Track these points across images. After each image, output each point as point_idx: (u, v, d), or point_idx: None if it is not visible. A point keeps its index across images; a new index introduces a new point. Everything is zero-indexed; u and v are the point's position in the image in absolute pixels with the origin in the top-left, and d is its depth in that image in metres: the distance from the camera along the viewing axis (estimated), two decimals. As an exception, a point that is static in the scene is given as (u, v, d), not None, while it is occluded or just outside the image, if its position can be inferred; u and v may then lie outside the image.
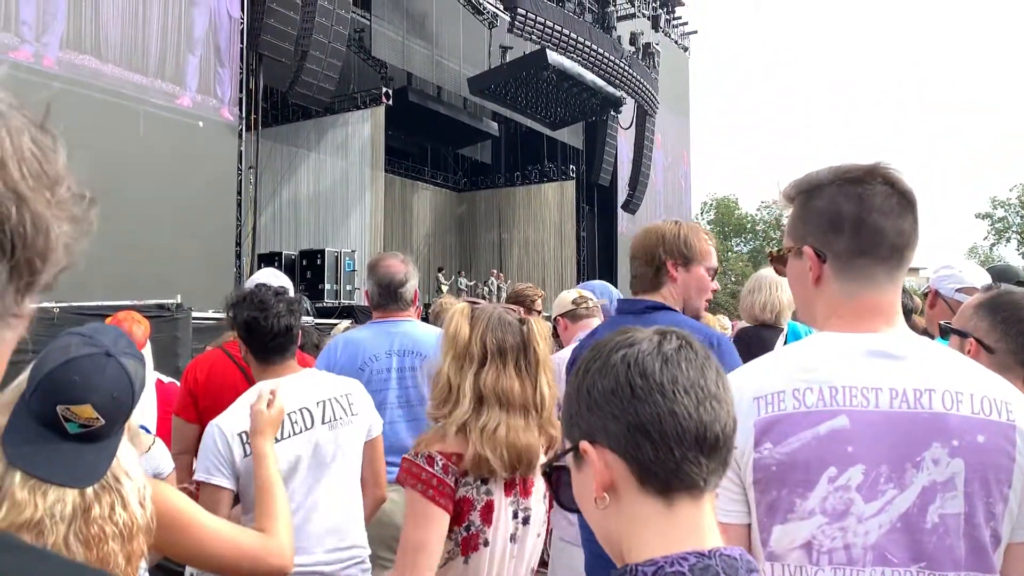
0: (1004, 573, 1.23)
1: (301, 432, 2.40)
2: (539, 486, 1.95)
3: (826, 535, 1.21)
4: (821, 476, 1.22)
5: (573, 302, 3.51)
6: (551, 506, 2.00)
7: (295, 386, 2.44)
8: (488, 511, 1.85)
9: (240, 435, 2.31)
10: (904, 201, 1.31)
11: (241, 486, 2.32)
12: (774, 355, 1.38)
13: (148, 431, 2.77)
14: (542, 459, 1.92)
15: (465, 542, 1.85)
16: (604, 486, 0.90)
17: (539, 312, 4.81)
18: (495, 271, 24.49)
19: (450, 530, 1.84)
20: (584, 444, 0.92)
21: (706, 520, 0.89)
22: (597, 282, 4.10)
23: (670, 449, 0.87)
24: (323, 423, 2.44)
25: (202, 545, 1.60)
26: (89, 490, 1.38)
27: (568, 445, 0.96)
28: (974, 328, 1.92)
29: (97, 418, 1.38)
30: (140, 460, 1.55)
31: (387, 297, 3.21)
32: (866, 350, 1.28)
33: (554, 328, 3.90)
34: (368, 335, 3.24)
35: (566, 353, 3.27)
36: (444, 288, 21.21)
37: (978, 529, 1.20)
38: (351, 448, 2.51)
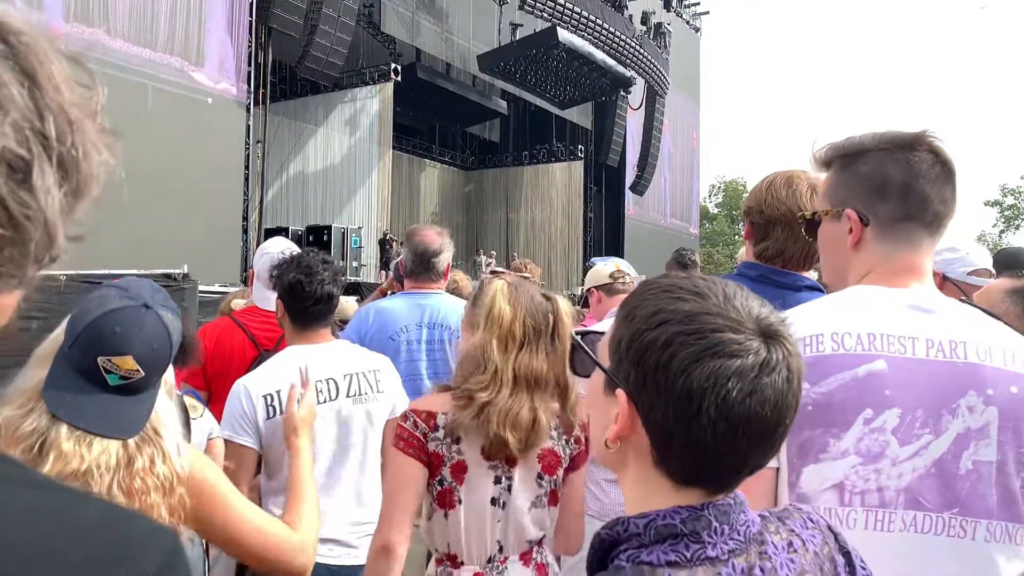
0: None
1: (325, 402, 2.41)
2: (529, 460, 1.94)
3: (859, 476, 1.21)
4: (857, 417, 1.23)
5: (611, 275, 3.44)
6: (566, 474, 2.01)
7: (325, 356, 2.46)
8: (460, 470, 1.90)
9: (265, 396, 2.32)
10: (947, 170, 1.33)
11: (263, 448, 2.35)
12: (814, 303, 1.38)
13: (199, 399, 2.81)
14: (551, 437, 1.96)
15: (440, 497, 1.90)
16: (621, 437, 0.85)
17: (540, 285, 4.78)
18: (492, 251, 24.51)
19: (428, 483, 1.91)
20: (622, 394, 0.84)
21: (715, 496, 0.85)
22: (616, 259, 4.05)
23: (701, 468, 0.83)
24: (347, 396, 2.46)
25: (230, 524, 1.58)
26: (131, 442, 1.39)
27: (608, 363, 0.87)
28: (1004, 312, 1.97)
29: (137, 370, 1.38)
30: (190, 425, 1.54)
31: (420, 266, 3.22)
32: (900, 303, 1.30)
33: (585, 299, 3.85)
34: (399, 305, 3.24)
35: (600, 327, 3.26)
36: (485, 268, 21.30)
37: (1009, 478, 1.22)
38: (374, 424, 2.52)
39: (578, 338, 1.00)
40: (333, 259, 2.65)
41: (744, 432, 0.79)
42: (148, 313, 1.42)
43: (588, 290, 3.57)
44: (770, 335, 0.82)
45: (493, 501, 1.92)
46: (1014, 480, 1.22)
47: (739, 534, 0.82)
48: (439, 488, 1.90)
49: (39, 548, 0.52)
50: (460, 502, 1.90)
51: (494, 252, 24.33)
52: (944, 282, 3.15)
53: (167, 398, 1.50)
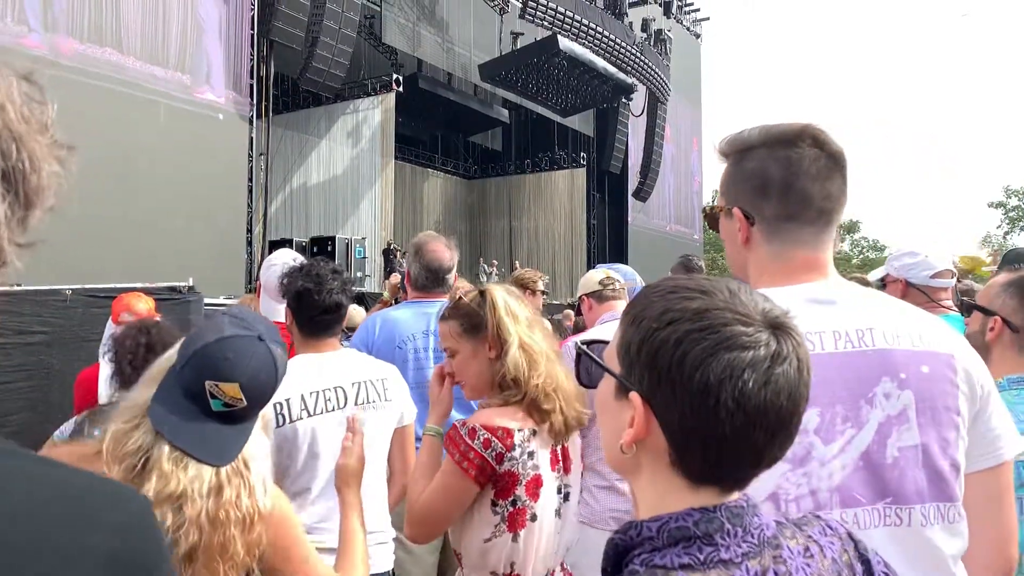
0: (963, 503, 1.24)
1: (333, 410, 2.41)
2: (576, 463, 1.96)
3: (791, 482, 1.19)
4: None
5: (600, 282, 3.42)
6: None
7: (333, 364, 2.47)
8: (536, 485, 1.84)
9: (275, 405, 2.32)
10: (832, 163, 1.30)
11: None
12: None
13: None
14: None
15: (512, 517, 1.82)
16: (638, 440, 0.85)
17: (543, 293, 4.81)
18: (494, 260, 24.54)
19: (495, 504, 1.82)
20: (636, 397, 0.84)
21: (728, 495, 0.85)
22: (622, 265, 4.05)
23: (719, 464, 0.83)
24: (356, 404, 2.46)
25: (299, 571, 1.58)
26: (222, 471, 1.40)
27: (620, 369, 0.87)
28: (1001, 306, 1.94)
29: (241, 399, 1.40)
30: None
31: (433, 282, 3.24)
32: (801, 299, 1.26)
33: (578, 307, 3.87)
34: (406, 314, 3.25)
35: (596, 333, 3.25)
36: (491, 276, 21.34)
37: (935, 459, 1.21)
38: (380, 432, 2.52)
39: (584, 347, 1.00)
40: (343, 269, 2.64)
41: (761, 423, 0.80)
42: (260, 345, 1.45)
43: (580, 297, 3.58)
44: (777, 327, 0.83)
45: (557, 513, 1.90)
46: (940, 460, 1.21)
47: (753, 537, 0.81)
48: (511, 509, 1.81)
49: (15, 507, 0.58)
50: (533, 519, 1.84)
51: (495, 261, 24.35)
52: (908, 288, 3.10)
53: (262, 434, 1.52)
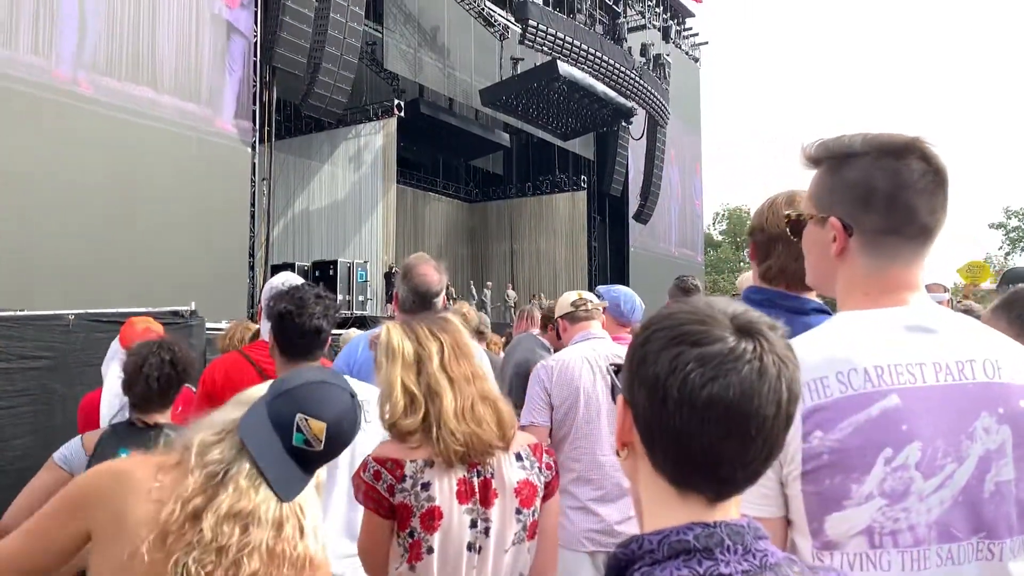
0: None
1: None
2: (506, 498, 1.89)
3: (887, 517, 1.17)
4: (877, 458, 1.17)
5: (572, 304, 3.51)
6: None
7: None
8: (431, 517, 1.81)
9: None
10: (939, 179, 1.25)
11: None
12: (806, 339, 1.28)
13: None
14: (525, 467, 1.94)
15: (411, 548, 1.82)
16: (623, 441, 0.90)
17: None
18: (488, 282, 24.62)
19: (398, 535, 1.83)
20: (620, 399, 0.89)
21: (718, 508, 0.86)
22: (623, 288, 4.07)
23: (681, 464, 0.85)
24: None
25: None
26: (284, 506, 1.46)
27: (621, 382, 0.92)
28: (992, 327, 1.94)
29: (322, 440, 1.48)
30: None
31: (420, 304, 3.20)
32: (899, 325, 1.25)
33: (557, 330, 3.91)
34: None
35: (565, 354, 3.31)
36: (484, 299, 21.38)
37: None
38: (365, 453, 2.52)
39: (611, 368, 1.04)
40: (328, 294, 2.61)
41: (708, 418, 0.81)
42: (354, 402, 1.56)
43: (556, 319, 3.65)
44: (745, 331, 0.84)
45: (470, 547, 1.85)
46: None
47: (754, 558, 0.82)
48: (409, 540, 1.82)
49: None
50: (430, 552, 1.82)
51: (490, 283, 24.41)
52: None
53: (314, 491, 1.57)
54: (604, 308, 3.62)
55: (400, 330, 1.99)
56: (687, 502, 0.85)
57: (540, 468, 1.97)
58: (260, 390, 1.56)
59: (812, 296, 1.99)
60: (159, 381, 2.50)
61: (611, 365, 1.07)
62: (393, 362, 1.93)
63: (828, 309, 1.97)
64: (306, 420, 1.47)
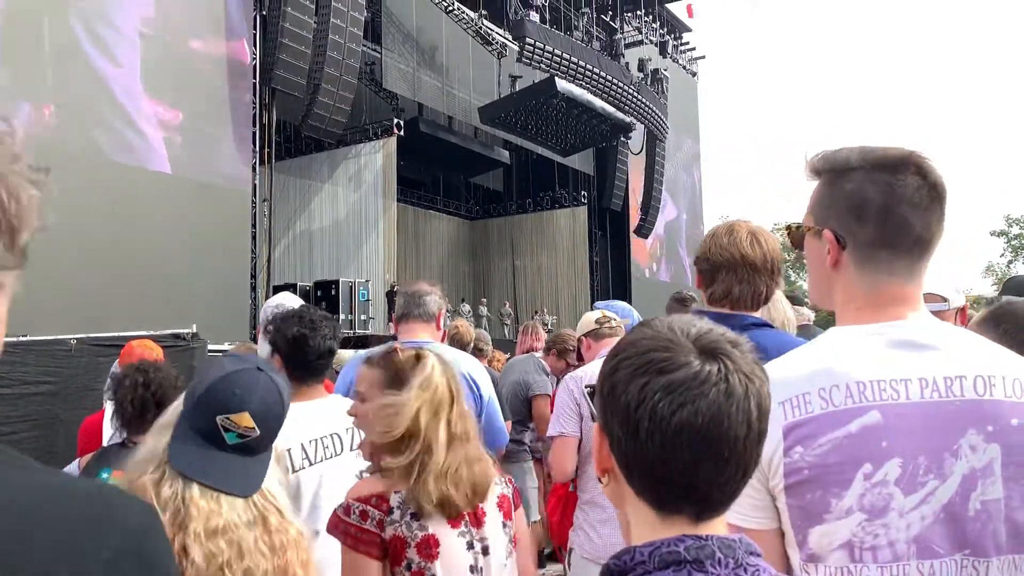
0: None
1: (332, 457, 2.42)
2: (492, 515, 1.91)
3: (867, 532, 1.18)
4: (856, 474, 1.18)
5: (596, 321, 3.58)
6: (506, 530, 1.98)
7: (327, 411, 2.47)
8: (427, 546, 1.80)
9: (287, 451, 2.32)
10: (934, 193, 1.25)
11: None
12: (794, 355, 1.30)
13: None
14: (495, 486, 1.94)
15: None
16: (603, 469, 0.91)
17: (571, 365, 4.85)
18: (483, 299, 24.61)
19: (392, 571, 1.79)
20: (596, 427, 0.91)
21: (702, 527, 0.87)
22: (617, 302, 4.13)
23: (658, 489, 0.86)
24: (351, 450, 2.46)
25: None
26: (258, 501, 1.46)
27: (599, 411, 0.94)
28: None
29: (254, 428, 1.47)
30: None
31: (411, 304, 3.20)
32: (889, 341, 1.24)
33: (578, 348, 3.96)
34: None
35: (587, 369, 3.28)
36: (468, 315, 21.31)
37: (1017, 512, 1.19)
38: (358, 472, 2.52)
39: (585, 391, 1.06)
40: (330, 315, 2.67)
41: (682, 444, 0.82)
42: (261, 375, 1.52)
43: (579, 339, 3.71)
44: (708, 352, 0.86)
45: (472, 569, 1.85)
46: (1020, 513, 1.19)
47: (745, 571, 0.83)
48: (407, 573, 1.78)
49: (40, 514, 0.64)
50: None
51: (484, 300, 24.41)
52: None
53: (276, 466, 1.57)
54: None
55: (443, 368, 1.95)
56: (672, 523, 0.86)
57: (505, 481, 2.01)
58: (176, 409, 1.53)
59: (754, 314, 2.12)
60: (132, 404, 2.53)
61: (587, 387, 1.09)
62: (422, 391, 1.88)
63: (767, 323, 2.13)
64: (228, 419, 1.45)
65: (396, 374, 1.92)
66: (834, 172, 1.31)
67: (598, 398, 0.90)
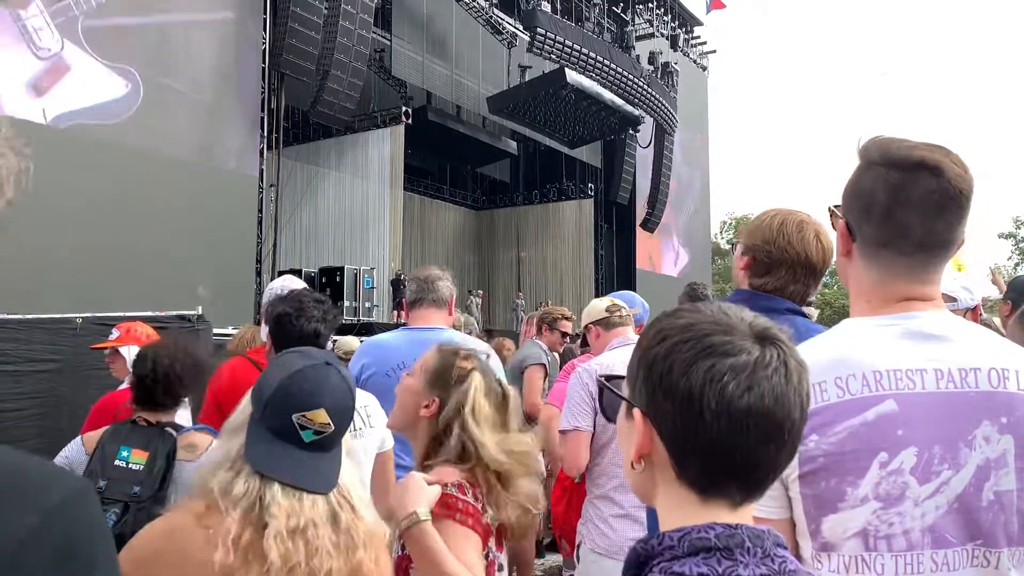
0: None
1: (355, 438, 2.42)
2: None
3: (882, 520, 1.19)
4: (872, 462, 1.19)
5: (607, 310, 3.47)
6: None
7: None
8: (488, 535, 1.82)
9: None
10: (946, 198, 1.23)
11: None
12: (810, 344, 1.30)
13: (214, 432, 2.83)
14: None
15: (487, 572, 1.80)
16: (642, 455, 0.90)
17: (567, 334, 4.80)
18: (480, 291, 24.49)
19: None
20: (637, 413, 0.89)
21: (738, 513, 0.88)
22: (624, 292, 4.09)
23: (715, 472, 0.86)
24: (370, 427, 2.50)
25: None
26: (332, 498, 1.45)
27: (627, 390, 0.93)
28: (1018, 336, 1.94)
29: (329, 423, 1.46)
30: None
31: (424, 290, 3.17)
32: (903, 331, 1.25)
33: (583, 337, 3.88)
34: (398, 341, 3.13)
35: (607, 358, 3.19)
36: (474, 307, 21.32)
37: None
38: (365, 458, 2.54)
39: (603, 380, 1.04)
40: (327, 299, 2.60)
41: (748, 426, 0.83)
42: (331, 369, 1.51)
43: (586, 327, 3.58)
44: (764, 337, 0.87)
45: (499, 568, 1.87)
46: None
47: (773, 562, 0.83)
48: (484, 561, 1.76)
49: None
50: (501, 569, 1.81)
51: (482, 292, 24.30)
52: None
53: (347, 460, 1.56)
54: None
55: (485, 383, 1.90)
56: (709, 508, 0.86)
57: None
58: (244, 410, 1.52)
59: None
60: (162, 380, 2.55)
61: (601, 376, 1.07)
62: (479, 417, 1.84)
63: (802, 311, 2.02)
64: (304, 416, 1.44)
65: (441, 373, 1.90)
66: (864, 163, 1.32)
67: (643, 381, 0.89)
